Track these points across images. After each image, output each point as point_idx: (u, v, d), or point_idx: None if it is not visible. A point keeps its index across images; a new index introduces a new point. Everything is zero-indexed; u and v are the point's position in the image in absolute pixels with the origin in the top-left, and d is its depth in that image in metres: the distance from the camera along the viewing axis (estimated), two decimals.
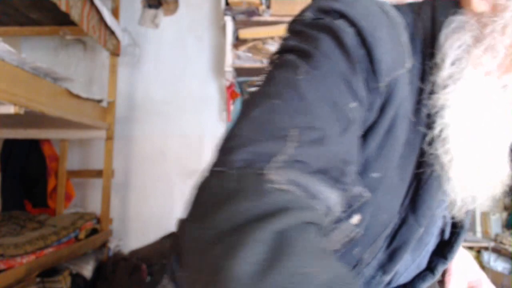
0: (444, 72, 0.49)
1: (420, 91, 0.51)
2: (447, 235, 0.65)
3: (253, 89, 0.48)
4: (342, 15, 0.46)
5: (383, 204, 0.52)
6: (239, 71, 2.48)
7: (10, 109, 1.35)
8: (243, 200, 0.34)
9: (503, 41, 0.47)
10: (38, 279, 1.88)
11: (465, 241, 1.98)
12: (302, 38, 0.47)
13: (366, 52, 0.45)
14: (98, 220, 2.29)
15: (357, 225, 0.51)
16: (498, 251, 2.07)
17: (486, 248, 2.11)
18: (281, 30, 2.37)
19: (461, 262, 0.72)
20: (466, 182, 0.53)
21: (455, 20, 0.50)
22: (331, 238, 0.51)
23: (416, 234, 0.56)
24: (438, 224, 0.62)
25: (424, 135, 0.52)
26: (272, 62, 0.50)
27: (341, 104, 0.43)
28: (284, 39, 0.51)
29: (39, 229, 1.96)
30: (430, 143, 0.51)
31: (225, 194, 0.35)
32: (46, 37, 2.64)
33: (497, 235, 2.18)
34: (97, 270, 2.19)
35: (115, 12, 2.38)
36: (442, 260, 0.65)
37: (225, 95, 2.57)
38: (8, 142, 2.46)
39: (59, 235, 1.89)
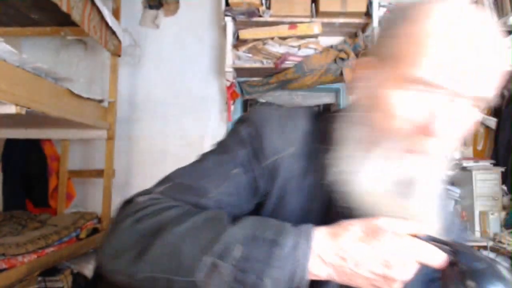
0: (338, 158, 0.64)
1: (316, 171, 0.67)
2: None
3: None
4: (247, 119, 0.70)
5: None
6: (239, 72, 2.49)
7: (12, 109, 1.35)
8: (133, 207, 0.64)
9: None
10: (39, 278, 1.89)
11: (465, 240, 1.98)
12: (228, 134, 0.73)
13: (258, 141, 0.67)
14: (99, 220, 2.29)
15: None
16: (497, 250, 2.08)
17: (485, 247, 2.11)
18: (281, 31, 2.38)
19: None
20: None
21: (341, 117, 0.67)
22: None
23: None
24: None
25: (323, 205, 0.66)
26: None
27: (227, 170, 0.67)
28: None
29: (40, 228, 1.97)
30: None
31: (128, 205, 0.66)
32: (47, 37, 2.65)
33: (495, 234, 2.18)
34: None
35: (116, 13, 2.38)
36: None
37: (225, 95, 2.58)
38: (9, 142, 2.47)
39: (60, 235, 1.89)
